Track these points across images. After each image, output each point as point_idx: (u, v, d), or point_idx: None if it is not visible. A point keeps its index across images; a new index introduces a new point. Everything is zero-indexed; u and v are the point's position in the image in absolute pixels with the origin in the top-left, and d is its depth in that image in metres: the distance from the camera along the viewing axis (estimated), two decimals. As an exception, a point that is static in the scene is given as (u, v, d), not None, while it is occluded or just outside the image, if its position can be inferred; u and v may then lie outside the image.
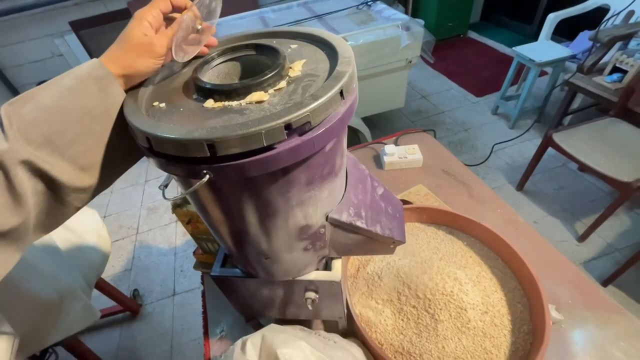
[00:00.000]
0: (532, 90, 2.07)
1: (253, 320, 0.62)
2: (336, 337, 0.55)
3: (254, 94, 0.30)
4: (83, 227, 0.99)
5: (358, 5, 1.92)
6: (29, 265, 0.78)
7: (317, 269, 0.47)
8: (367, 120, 1.91)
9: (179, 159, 0.27)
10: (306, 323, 0.65)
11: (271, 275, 0.45)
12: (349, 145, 0.42)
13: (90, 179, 0.32)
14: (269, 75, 0.30)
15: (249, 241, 0.38)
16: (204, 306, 0.73)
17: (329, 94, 0.27)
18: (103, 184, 0.34)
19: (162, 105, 0.32)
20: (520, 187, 1.78)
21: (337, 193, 0.40)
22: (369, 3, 1.93)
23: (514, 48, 2.06)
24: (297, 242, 0.40)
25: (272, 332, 0.43)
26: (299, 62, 0.34)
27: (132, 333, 1.35)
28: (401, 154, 0.97)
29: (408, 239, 0.75)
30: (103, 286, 1.21)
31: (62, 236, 0.91)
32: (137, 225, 1.93)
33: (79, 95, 0.29)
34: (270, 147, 0.26)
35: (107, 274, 1.60)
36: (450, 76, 2.99)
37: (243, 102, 0.30)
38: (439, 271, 0.64)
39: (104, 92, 0.30)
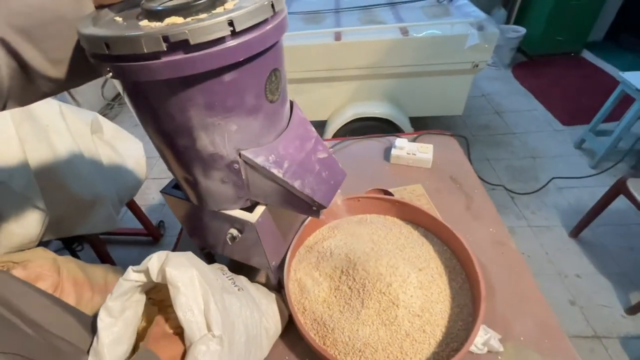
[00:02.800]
0: (631, 126, 1.73)
1: (205, 251, 0.68)
2: (253, 288, 0.58)
3: (172, 17, 0.34)
4: (125, 152, 1.18)
5: (439, -2, 1.83)
6: (74, 168, 0.97)
7: (242, 210, 0.50)
8: (420, 121, 1.83)
9: (96, 56, 0.33)
10: (253, 273, 0.69)
11: (201, 202, 0.50)
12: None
13: (57, 72, 0.40)
14: (191, 4, 0.34)
15: (172, 158, 0.44)
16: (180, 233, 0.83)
17: (214, 21, 0.30)
18: (70, 82, 0.42)
19: (121, 20, 0.38)
20: (574, 233, 1.53)
21: (254, 134, 0.42)
22: (451, -2, 1.82)
23: (621, 73, 1.73)
24: (213, 170, 0.44)
25: (178, 255, 0.48)
26: (232, 2, 0.37)
27: (149, 254, 1.56)
28: (411, 150, 0.93)
29: (379, 230, 0.73)
30: (135, 209, 1.43)
31: (106, 153, 1.11)
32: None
33: (58, 1, 0.37)
34: (154, 57, 0.31)
35: (145, 202, 1.87)
36: (539, 96, 2.64)
37: (163, 24, 0.34)
38: (388, 264, 0.62)
39: (78, 3, 0.38)
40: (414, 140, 1.01)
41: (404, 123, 1.69)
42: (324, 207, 0.47)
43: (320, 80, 1.64)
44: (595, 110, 1.98)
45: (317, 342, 0.55)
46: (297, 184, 0.45)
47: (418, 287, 0.60)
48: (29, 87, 0.40)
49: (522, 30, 2.93)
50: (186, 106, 0.36)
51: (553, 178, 1.68)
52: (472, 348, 0.54)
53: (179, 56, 0.31)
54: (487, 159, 2.08)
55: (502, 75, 3.01)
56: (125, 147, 1.17)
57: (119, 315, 0.50)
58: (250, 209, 0.50)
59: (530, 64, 3.09)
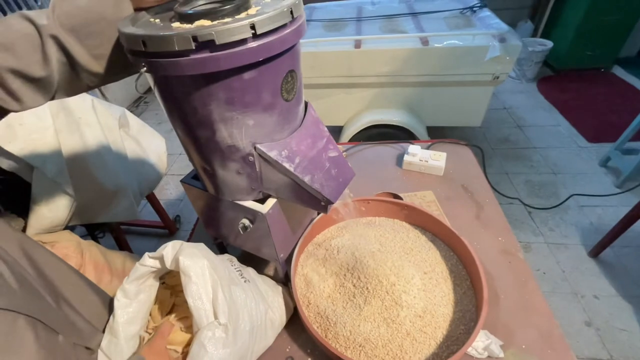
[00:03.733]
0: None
1: (217, 242, 0.72)
2: (260, 280, 0.61)
3: (201, 20, 0.38)
4: (149, 147, 1.24)
5: (463, 9, 1.83)
6: (102, 159, 1.03)
7: (255, 201, 0.53)
8: (438, 131, 1.82)
9: (133, 52, 0.37)
10: (261, 266, 0.72)
11: (217, 192, 0.54)
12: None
13: (98, 67, 0.45)
14: (218, 9, 0.38)
15: (193, 149, 0.47)
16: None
17: (238, 24, 0.33)
18: (109, 76, 0.47)
19: (157, 21, 0.43)
20: (594, 253, 1.47)
21: (269, 130, 0.45)
22: (474, 9, 1.82)
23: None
24: (229, 161, 0.47)
25: (191, 246, 0.51)
26: (255, 8, 0.40)
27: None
28: (424, 157, 0.94)
29: (386, 232, 0.74)
30: (154, 202, 1.49)
31: (131, 147, 1.17)
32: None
33: (101, 3, 0.42)
34: (184, 54, 0.34)
35: (163, 197, 1.94)
36: (564, 111, 2.57)
37: (192, 26, 0.38)
38: (393, 265, 0.63)
39: (117, 6, 0.42)
40: (427, 148, 1.01)
41: (420, 132, 1.69)
42: (332, 203, 0.49)
43: (339, 86, 1.67)
44: (623, 127, 1.92)
45: (320, 334, 0.57)
46: (307, 179, 0.47)
47: (422, 290, 0.61)
48: (75, 80, 0.44)
49: (549, 44, 2.87)
50: (208, 100, 0.39)
51: (573, 195, 1.63)
52: (473, 352, 0.54)
53: (206, 54, 0.34)
54: (505, 173, 2.04)
55: (526, 88, 2.95)
56: (149, 142, 1.24)
57: (134, 297, 0.53)
58: (262, 201, 0.53)
59: (556, 78, 3.02)
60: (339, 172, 0.52)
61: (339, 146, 1.06)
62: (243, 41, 0.35)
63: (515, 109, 2.71)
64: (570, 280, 1.40)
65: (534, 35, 3.21)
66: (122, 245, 1.31)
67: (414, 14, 1.83)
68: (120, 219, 1.11)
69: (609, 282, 1.37)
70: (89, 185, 0.99)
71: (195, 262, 0.49)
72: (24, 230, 0.91)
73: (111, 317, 0.52)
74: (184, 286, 0.47)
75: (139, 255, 0.71)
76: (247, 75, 0.38)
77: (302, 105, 0.51)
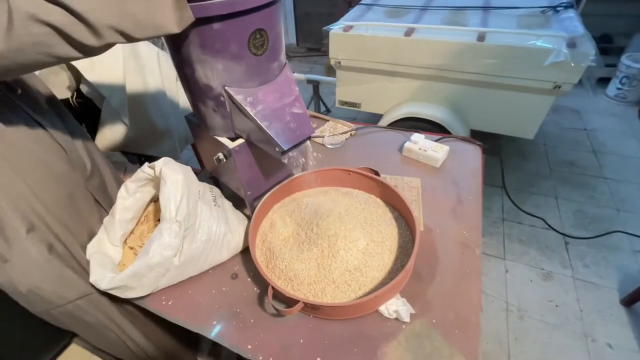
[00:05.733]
0: None
1: (211, 176, 0.86)
2: (231, 211, 0.73)
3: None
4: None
5: (544, 8, 1.67)
6: (157, 102, 1.25)
7: (229, 139, 0.65)
8: (486, 137, 1.71)
9: None
10: (243, 205, 0.84)
11: (206, 127, 0.66)
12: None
13: None
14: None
15: (184, 85, 0.60)
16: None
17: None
18: None
19: None
20: (628, 301, 1.29)
21: (238, 77, 0.55)
22: (558, 9, 1.65)
23: None
24: (206, 99, 0.58)
25: (176, 164, 0.65)
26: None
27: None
28: (424, 146, 0.95)
29: (358, 203, 0.79)
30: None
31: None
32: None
33: None
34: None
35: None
36: (660, 145, 2.18)
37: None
38: (345, 226, 0.70)
39: None
40: (437, 140, 1.01)
41: (460, 133, 1.62)
42: (283, 149, 0.58)
43: (384, 73, 1.68)
44: None
45: (262, 264, 0.67)
46: (264, 124, 0.57)
47: (361, 252, 0.66)
48: None
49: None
50: (187, 43, 0.50)
51: (620, 231, 1.42)
52: (383, 310, 0.59)
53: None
54: (555, 197, 1.84)
55: (623, 111, 2.54)
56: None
57: (132, 194, 0.70)
58: (234, 139, 0.64)
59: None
60: (297, 126, 0.60)
61: (352, 124, 1.12)
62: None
63: (599, 132, 2.37)
64: (586, 322, 1.26)
65: (651, 50, 2.70)
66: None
67: (485, 8, 1.72)
68: (164, 155, 1.34)
69: (635, 335, 1.20)
70: (143, 121, 1.22)
71: (173, 173, 0.62)
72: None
73: (114, 205, 0.69)
74: (160, 188, 0.62)
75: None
76: (215, 25, 0.48)
77: (278, 63, 0.60)
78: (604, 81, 2.73)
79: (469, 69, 1.50)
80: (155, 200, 0.76)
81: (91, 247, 0.64)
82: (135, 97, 1.15)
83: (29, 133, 0.56)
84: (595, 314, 1.27)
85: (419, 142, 0.96)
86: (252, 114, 0.56)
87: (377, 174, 0.85)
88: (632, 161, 2.08)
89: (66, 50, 0.41)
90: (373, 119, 2.55)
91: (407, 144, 0.96)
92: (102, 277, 0.58)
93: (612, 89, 2.67)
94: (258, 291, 0.66)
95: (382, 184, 0.79)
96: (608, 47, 2.77)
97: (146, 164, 0.68)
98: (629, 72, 2.50)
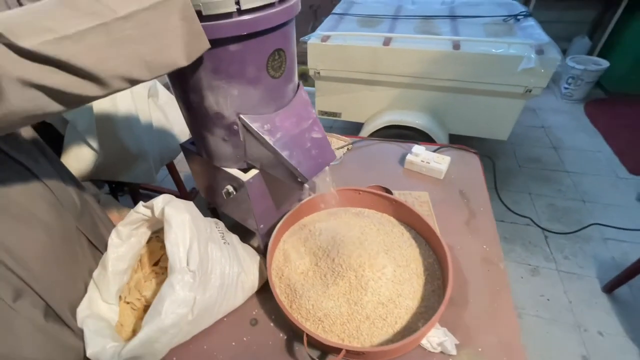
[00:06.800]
0: None
1: (211, 207, 0.77)
2: (240, 247, 0.65)
3: None
4: (174, 118, 1.33)
5: (506, 17, 1.77)
6: (128, 123, 1.13)
7: (239, 170, 0.57)
8: (462, 140, 1.77)
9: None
10: (248, 237, 0.76)
11: (209, 157, 0.58)
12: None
13: None
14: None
15: (187, 114, 0.52)
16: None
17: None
18: None
19: None
20: (609, 288, 1.38)
21: (254, 103, 0.48)
22: (518, 17, 1.75)
23: None
24: (216, 128, 0.51)
25: (179, 201, 0.57)
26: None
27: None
28: (426, 158, 0.93)
29: (372, 224, 0.76)
30: (174, 173, 1.60)
31: (157, 116, 1.26)
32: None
33: None
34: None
35: (183, 169, 2.06)
36: (609, 138, 2.39)
37: None
38: (369, 254, 0.65)
39: None
40: (435, 150, 1.01)
41: (441, 138, 1.65)
42: (307, 180, 0.52)
43: (364, 82, 1.68)
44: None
45: (285, 303, 0.60)
46: (285, 154, 0.51)
47: (391, 280, 0.62)
48: None
49: (605, 64, 2.67)
50: (197, 67, 0.43)
51: (596, 224, 1.53)
52: (426, 344, 0.55)
53: (194, 23, 0.38)
54: (528, 193, 1.95)
55: (571, 109, 2.77)
56: (174, 114, 1.33)
57: (126, 239, 0.60)
58: (247, 170, 0.57)
59: (607, 101, 2.80)
60: (319, 153, 0.55)
61: (348, 138, 1.08)
62: (229, 15, 0.38)
63: (555, 129, 2.56)
64: (576, 312, 1.33)
65: (590, 53, 2.99)
66: (137, 201, 1.43)
67: (452, 17, 1.79)
68: (139, 180, 1.21)
69: (619, 320, 1.28)
70: (114, 145, 1.09)
71: (178, 213, 0.54)
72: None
73: (105, 253, 0.58)
74: (165, 233, 0.53)
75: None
76: (232, 47, 0.42)
77: (293, 85, 0.54)
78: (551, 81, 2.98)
79: (446, 76, 1.54)
80: (148, 240, 0.66)
81: (82, 310, 0.53)
82: (105, 119, 1.03)
83: (11, 179, 0.46)
84: (583, 303, 1.35)
85: (420, 154, 0.94)
86: (271, 143, 0.50)
87: (388, 191, 0.82)
88: (586, 154, 2.27)
89: (64, 105, 0.34)
90: (351, 127, 2.56)
91: (409, 157, 0.95)
92: (101, 348, 0.48)
93: (560, 88, 2.91)
94: (285, 337, 0.59)
95: (396, 202, 0.76)
96: (553, 50, 3.03)
97: (141, 203, 0.58)
98: (574, 72, 2.74)
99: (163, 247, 0.69)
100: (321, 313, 0.58)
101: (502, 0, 2.00)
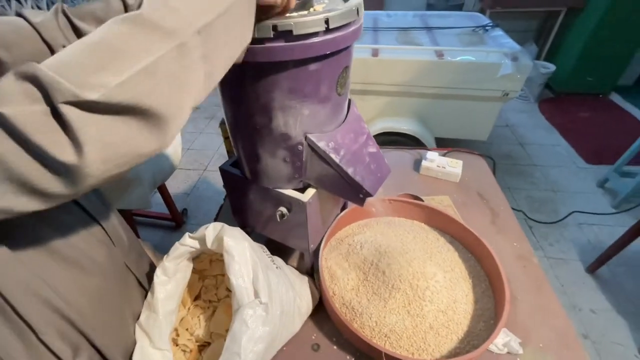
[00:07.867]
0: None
1: (245, 230, 0.73)
2: (287, 269, 0.63)
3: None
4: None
5: (475, 27, 1.90)
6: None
7: (294, 190, 0.55)
8: (444, 142, 1.86)
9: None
10: (285, 257, 0.73)
11: (258, 179, 0.56)
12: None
13: None
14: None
15: (245, 134, 0.50)
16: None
17: (314, 18, 0.36)
18: None
19: None
20: (591, 269, 1.52)
21: (320, 121, 0.47)
22: (487, 28, 1.89)
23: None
24: (279, 149, 0.49)
25: (232, 229, 0.53)
26: (320, 5, 0.43)
27: (170, 238, 1.63)
28: (441, 163, 0.97)
29: (406, 232, 0.76)
30: (165, 194, 1.50)
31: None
32: (207, 164, 2.30)
33: None
34: (260, 42, 0.37)
35: (172, 190, 1.96)
36: (564, 133, 2.65)
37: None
38: (416, 262, 0.65)
39: None
40: (443, 155, 1.05)
41: (429, 142, 1.73)
42: (371, 195, 0.52)
43: (354, 92, 1.71)
44: (621, 152, 1.98)
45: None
46: (350, 171, 0.50)
47: (444, 287, 0.63)
48: None
49: (552, 67, 2.96)
50: (272, 88, 0.42)
51: (574, 212, 1.67)
52: (493, 348, 0.57)
53: (281, 43, 0.37)
54: (508, 187, 2.09)
55: (528, 108, 3.03)
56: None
57: (172, 275, 0.55)
58: (301, 190, 0.55)
59: (556, 100, 3.11)
60: (377, 167, 0.54)
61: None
62: (315, 34, 0.37)
63: (517, 127, 2.78)
64: (569, 294, 1.44)
65: (537, 58, 3.31)
66: (129, 228, 1.32)
67: (428, 28, 1.89)
68: (134, 206, 1.12)
69: (606, 297, 1.41)
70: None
71: (238, 242, 0.50)
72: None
73: (149, 293, 0.53)
74: (227, 265, 0.49)
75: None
76: (312, 66, 0.41)
77: (347, 101, 0.54)
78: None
79: (432, 84, 1.62)
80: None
81: (135, 363, 0.47)
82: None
83: (68, 221, 0.40)
84: (573, 285, 1.46)
85: (435, 159, 0.97)
86: (337, 161, 0.49)
87: (418, 199, 0.84)
88: (548, 148, 2.49)
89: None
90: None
91: (425, 163, 0.97)
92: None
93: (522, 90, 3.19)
94: (352, 359, 0.57)
95: (429, 208, 0.78)
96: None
97: (187, 234, 0.54)
98: (529, 75, 3.01)
99: (201, 278, 0.64)
100: (387, 329, 0.58)
101: (468, 12, 2.15)
